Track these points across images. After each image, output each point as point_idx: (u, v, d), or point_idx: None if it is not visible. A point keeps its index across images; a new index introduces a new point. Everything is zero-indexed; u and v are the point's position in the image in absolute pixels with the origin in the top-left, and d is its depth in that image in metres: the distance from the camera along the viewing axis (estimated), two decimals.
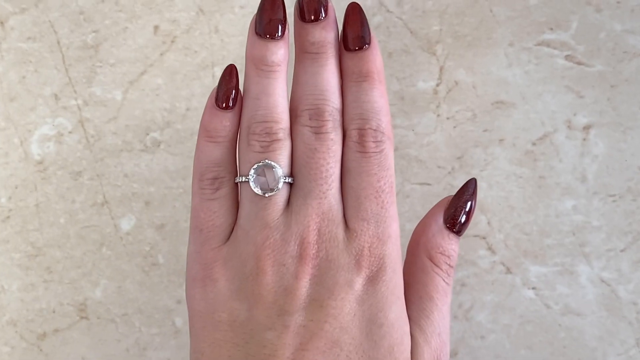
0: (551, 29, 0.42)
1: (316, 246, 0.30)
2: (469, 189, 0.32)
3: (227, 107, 0.32)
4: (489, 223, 0.42)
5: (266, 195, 0.30)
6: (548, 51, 0.42)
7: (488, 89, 0.42)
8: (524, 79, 0.42)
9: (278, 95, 0.31)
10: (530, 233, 0.41)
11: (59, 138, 0.42)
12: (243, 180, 0.31)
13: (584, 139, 0.42)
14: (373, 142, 0.31)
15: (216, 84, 0.46)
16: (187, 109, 0.42)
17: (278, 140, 0.31)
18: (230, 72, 0.32)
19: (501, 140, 0.42)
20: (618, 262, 0.41)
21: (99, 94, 0.43)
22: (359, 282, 0.30)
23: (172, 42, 0.43)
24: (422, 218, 0.33)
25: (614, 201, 0.42)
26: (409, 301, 0.31)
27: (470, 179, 0.33)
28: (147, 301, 0.41)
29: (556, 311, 0.41)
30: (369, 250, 0.30)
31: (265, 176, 0.30)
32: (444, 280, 0.32)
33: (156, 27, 0.43)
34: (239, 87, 0.32)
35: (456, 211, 0.32)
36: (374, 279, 0.30)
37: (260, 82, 0.31)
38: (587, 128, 0.42)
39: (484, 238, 0.42)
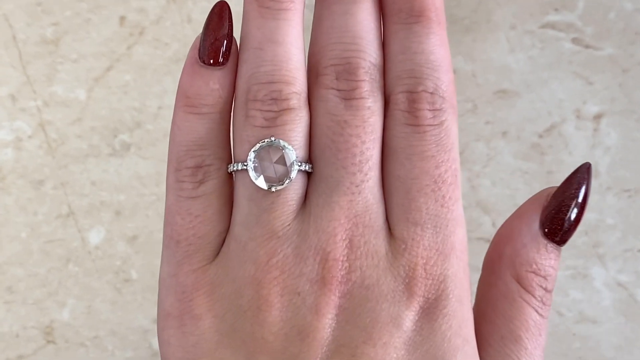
0: (556, 9, 0.42)
1: (346, 265, 0.23)
2: (578, 179, 0.24)
3: (215, 63, 0.24)
4: (493, 224, 0.42)
5: (272, 189, 0.23)
6: (553, 34, 0.42)
7: (489, 77, 0.42)
8: (528, 65, 0.42)
9: (290, 45, 0.24)
10: None
11: (18, 144, 0.42)
12: (239, 168, 0.23)
13: (595, 129, 0.42)
14: (429, 110, 0.24)
15: None
16: (159, 108, 0.42)
17: (290, 109, 0.23)
18: (220, 11, 0.25)
19: (505, 132, 0.42)
20: (636, 263, 0.41)
21: (61, 93, 0.42)
22: (409, 318, 0.23)
23: (141, 33, 0.42)
24: (507, 219, 0.26)
25: (629, 196, 0.41)
26: (484, 343, 0.24)
27: (582, 165, 0.24)
28: (120, 322, 0.41)
29: (570, 319, 0.41)
30: (424, 270, 0.23)
31: (271, 162, 0.23)
32: (537, 312, 0.24)
33: (122, 18, 0.42)
34: (233, 35, 0.25)
35: (560, 211, 0.24)
36: (431, 312, 0.23)
37: (264, 25, 0.24)
38: (598, 117, 0.42)
39: (488, 241, 0.41)
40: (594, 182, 0.41)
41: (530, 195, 0.39)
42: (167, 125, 0.41)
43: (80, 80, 0.42)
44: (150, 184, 0.42)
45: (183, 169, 0.24)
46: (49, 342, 0.41)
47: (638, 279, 0.41)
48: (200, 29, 0.42)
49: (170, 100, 0.42)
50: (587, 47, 0.42)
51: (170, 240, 0.24)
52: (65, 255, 0.41)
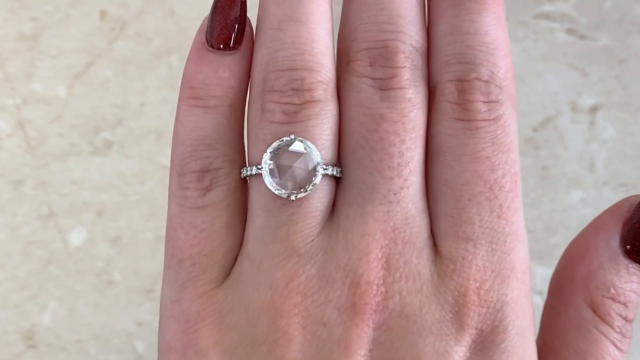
0: None
1: (382, 289, 0.19)
2: None
3: (226, 48, 0.21)
4: None
5: (292, 197, 0.20)
6: (547, 25, 0.42)
7: None
8: (521, 57, 0.42)
9: (316, 25, 0.21)
10: (534, 231, 0.41)
11: None
12: (253, 172, 0.20)
13: (591, 123, 0.41)
14: (483, 102, 0.20)
15: (173, 74, 0.43)
16: (142, 104, 0.42)
17: (314, 102, 0.20)
18: None
19: None
20: None
21: (40, 90, 0.42)
22: (459, 355, 0.19)
23: (122, 28, 0.42)
24: (579, 233, 0.22)
25: (627, 191, 0.41)
26: None
27: None
28: (103, 325, 0.40)
29: None
30: (478, 295, 0.19)
31: (290, 164, 0.20)
32: (615, 346, 0.21)
33: (103, 12, 0.42)
34: (247, 15, 0.22)
35: None
36: (485, 347, 0.19)
37: (285, 1, 0.21)
38: (594, 110, 0.41)
39: None
40: (589, 177, 0.41)
41: (526, 191, 0.38)
42: (150, 122, 0.41)
43: (60, 77, 0.41)
44: (134, 182, 0.41)
45: (187, 174, 0.21)
46: (29, 346, 0.40)
47: None
48: (183, 23, 0.41)
49: (154, 96, 0.41)
50: (582, 37, 0.41)
51: (172, 258, 0.21)
52: (45, 257, 0.41)
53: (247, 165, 0.21)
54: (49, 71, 0.42)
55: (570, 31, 0.41)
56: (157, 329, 0.23)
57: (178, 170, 0.21)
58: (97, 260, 0.40)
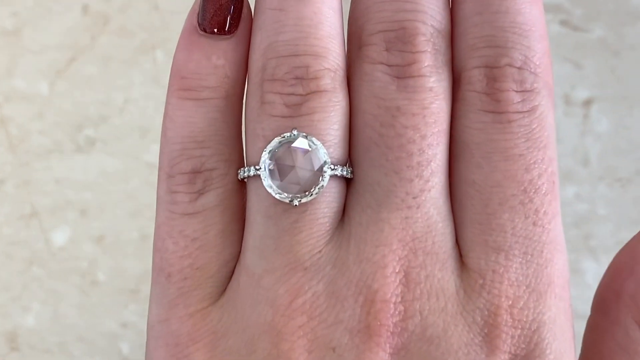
0: None
1: (400, 308, 0.18)
2: None
3: (220, 32, 0.19)
4: None
5: (295, 202, 0.18)
6: None
7: None
8: None
9: (322, 3, 0.19)
10: None
11: None
12: (251, 173, 0.18)
13: (585, 116, 0.41)
14: (517, 91, 0.18)
15: (158, 69, 0.42)
16: (126, 101, 0.41)
17: (320, 92, 0.18)
18: None
19: None
20: None
21: (22, 87, 0.41)
22: None
23: (105, 23, 0.42)
24: (626, 244, 0.21)
25: (622, 186, 0.41)
26: None
27: None
28: (87, 326, 0.40)
29: None
30: (511, 315, 0.18)
31: (293, 164, 0.18)
32: None
33: (85, 7, 0.42)
34: None
35: None
36: None
37: None
38: (587, 103, 0.41)
39: None
40: (583, 172, 0.41)
41: None
42: (135, 118, 0.41)
43: (42, 73, 0.41)
44: (118, 181, 0.41)
45: (177, 175, 0.19)
46: (12, 349, 0.40)
47: None
48: (168, 17, 0.41)
49: (138, 92, 0.41)
50: (575, 29, 0.41)
51: (160, 272, 0.19)
52: (28, 257, 0.40)
53: (245, 166, 0.19)
54: (31, 67, 0.41)
55: (563, 23, 0.41)
56: (143, 330, 0.21)
57: (167, 172, 0.19)
58: (81, 261, 0.40)
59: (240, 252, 0.19)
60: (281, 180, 0.18)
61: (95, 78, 0.41)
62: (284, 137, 0.18)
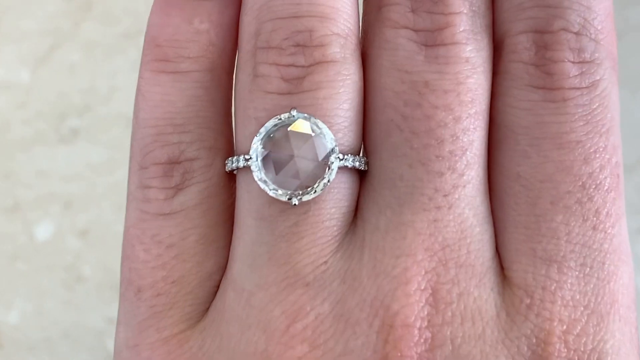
0: None
1: (427, 335, 0.14)
2: None
3: None
4: None
5: (294, 201, 0.15)
6: None
7: None
8: None
9: None
10: None
11: None
12: (241, 164, 0.16)
13: None
14: (574, 62, 0.15)
15: None
16: (111, 89, 0.41)
17: (328, 62, 0.15)
18: None
19: None
20: (632, 245, 0.40)
21: (3, 75, 0.41)
22: None
23: (88, 8, 0.41)
24: None
25: (626, 172, 0.40)
26: None
27: None
28: (73, 322, 0.39)
29: None
30: (564, 343, 0.14)
31: (292, 153, 0.15)
32: None
33: None
34: None
35: None
36: None
37: None
38: None
39: None
40: None
41: None
42: (120, 107, 0.40)
43: (24, 60, 0.40)
44: (103, 172, 0.40)
45: (150, 167, 0.16)
46: None
47: (635, 263, 0.39)
48: (152, 1, 0.40)
49: (123, 80, 0.40)
50: None
51: (129, 286, 0.16)
52: (11, 252, 0.40)
53: (235, 155, 0.16)
54: (12, 55, 0.41)
55: None
56: None
57: (139, 162, 0.16)
58: (65, 255, 0.39)
59: (226, 262, 0.16)
60: (277, 174, 0.15)
61: (79, 65, 0.40)
62: (280, 118, 0.15)
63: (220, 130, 0.16)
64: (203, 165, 0.16)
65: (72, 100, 0.40)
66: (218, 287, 0.16)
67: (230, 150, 0.17)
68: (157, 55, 0.16)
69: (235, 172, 0.16)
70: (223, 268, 0.16)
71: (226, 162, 0.16)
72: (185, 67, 0.16)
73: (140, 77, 0.17)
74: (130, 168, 0.17)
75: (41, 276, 0.40)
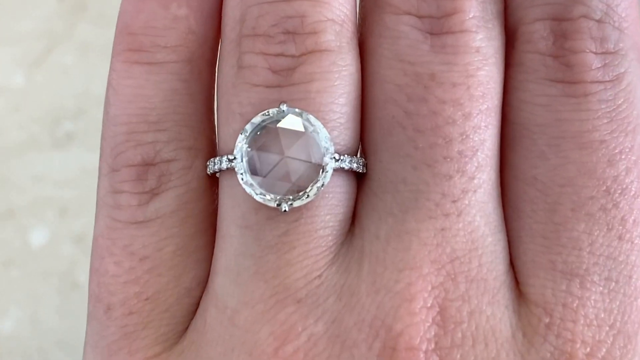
0: None
1: (434, 358, 0.13)
2: None
3: None
4: None
5: (284, 206, 0.14)
6: None
7: None
8: None
9: None
10: None
11: None
12: (224, 165, 0.14)
13: None
14: (596, 53, 0.14)
15: None
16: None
17: (321, 51, 0.14)
18: None
19: None
20: None
21: None
22: None
23: (83, 10, 0.41)
24: None
25: None
26: None
27: None
28: (68, 330, 0.39)
29: None
30: None
31: (281, 153, 0.14)
32: None
33: None
34: None
35: None
36: None
37: None
38: None
39: None
40: None
41: None
42: None
43: (17, 64, 0.40)
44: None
45: (122, 169, 0.15)
46: None
47: None
48: None
49: None
50: None
51: (97, 304, 0.15)
52: (5, 258, 0.39)
53: (218, 155, 0.15)
54: (5, 58, 0.40)
55: None
56: None
57: (109, 164, 0.15)
58: (60, 261, 0.39)
59: (207, 276, 0.15)
60: (264, 176, 0.14)
61: (73, 68, 0.40)
62: (268, 114, 0.14)
63: (201, 129, 0.15)
64: (181, 168, 0.15)
65: (67, 103, 0.40)
66: (198, 304, 0.15)
67: (212, 150, 0.15)
68: (130, 44, 0.15)
69: (217, 174, 0.15)
70: (203, 283, 0.15)
71: (207, 163, 0.15)
72: (161, 57, 0.15)
73: (111, 69, 0.15)
74: (99, 171, 0.15)
75: (36, 283, 0.39)
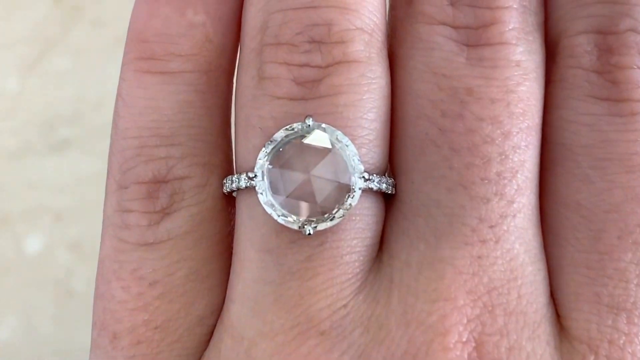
0: None
1: None
2: None
3: None
4: None
5: (308, 230, 0.13)
6: None
7: None
8: None
9: None
10: None
11: None
12: (242, 184, 0.13)
13: None
14: None
15: None
16: (102, 97, 0.40)
17: (349, 63, 0.13)
18: None
19: None
20: None
21: None
22: None
23: (78, 13, 0.41)
24: None
25: None
26: None
27: None
28: (64, 339, 0.39)
29: None
30: None
31: (306, 171, 0.13)
32: None
33: None
34: None
35: None
36: None
37: None
38: None
39: None
40: None
41: None
42: (112, 116, 0.40)
43: (12, 68, 0.40)
44: (95, 183, 0.39)
45: (131, 186, 0.14)
46: None
47: None
48: None
49: (115, 87, 0.40)
50: None
51: (102, 331, 0.14)
52: (1, 265, 0.39)
53: (235, 173, 0.14)
54: None
55: None
56: None
57: (117, 180, 0.14)
58: (56, 269, 0.39)
59: (222, 304, 0.14)
60: (287, 196, 0.13)
61: (69, 72, 0.40)
62: (292, 129, 0.13)
63: (217, 144, 0.14)
64: (195, 185, 0.14)
65: (62, 108, 0.40)
66: (211, 334, 0.14)
67: (228, 167, 0.15)
68: (142, 52, 0.14)
69: (234, 193, 0.14)
70: (217, 311, 0.14)
71: (224, 181, 0.14)
72: (175, 66, 0.14)
73: (121, 78, 0.15)
74: (107, 188, 0.15)
75: (31, 291, 0.39)
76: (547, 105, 0.14)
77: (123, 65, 0.14)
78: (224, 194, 0.14)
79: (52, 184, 0.39)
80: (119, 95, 0.15)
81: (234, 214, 0.14)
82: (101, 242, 0.14)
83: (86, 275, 0.39)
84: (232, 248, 0.14)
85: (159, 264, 0.14)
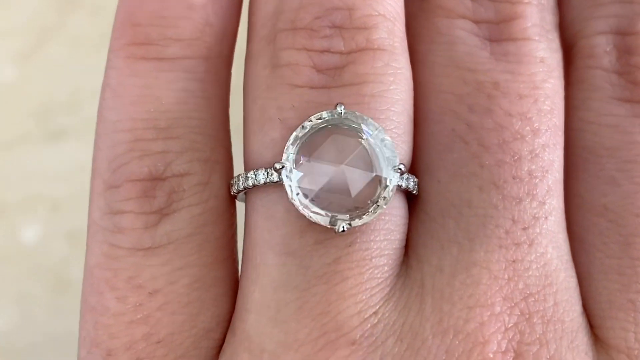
0: None
1: None
2: None
3: None
4: None
5: (341, 227, 0.11)
6: None
7: None
8: None
9: None
10: None
11: None
12: (261, 180, 0.12)
13: None
14: None
15: None
16: (99, 86, 0.40)
17: (374, 50, 0.12)
18: None
19: None
20: None
21: None
22: None
23: (76, 2, 0.40)
24: None
25: None
26: None
27: None
28: (61, 329, 0.39)
29: None
30: None
31: (339, 161, 0.11)
32: None
33: None
34: None
35: None
36: None
37: None
38: None
39: None
40: None
41: None
42: None
43: (8, 57, 0.40)
44: None
45: (123, 184, 0.12)
46: None
47: None
48: None
49: None
50: None
51: (94, 348, 0.13)
52: None
53: (245, 171, 0.12)
54: None
55: None
56: None
57: (106, 179, 0.13)
58: (53, 259, 0.39)
59: (229, 314, 0.12)
60: (319, 190, 0.11)
61: (66, 61, 0.40)
62: (320, 118, 0.11)
63: (218, 138, 0.13)
64: (196, 183, 0.13)
65: (59, 97, 0.39)
66: (218, 348, 0.12)
67: (230, 164, 0.13)
68: (134, 37, 0.13)
69: (245, 193, 0.13)
70: (225, 322, 0.13)
71: (233, 180, 0.12)
72: (173, 52, 0.13)
73: (109, 67, 0.13)
74: (92, 189, 0.13)
75: (28, 281, 0.39)
76: (566, 107, 0.13)
77: (111, 52, 0.13)
78: (228, 193, 0.13)
79: (48, 173, 0.39)
80: (106, 85, 0.13)
81: (235, 216, 0.13)
82: (87, 251, 0.13)
83: (83, 264, 0.39)
84: (235, 253, 0.13)
85: (159, 271, 0.12)
